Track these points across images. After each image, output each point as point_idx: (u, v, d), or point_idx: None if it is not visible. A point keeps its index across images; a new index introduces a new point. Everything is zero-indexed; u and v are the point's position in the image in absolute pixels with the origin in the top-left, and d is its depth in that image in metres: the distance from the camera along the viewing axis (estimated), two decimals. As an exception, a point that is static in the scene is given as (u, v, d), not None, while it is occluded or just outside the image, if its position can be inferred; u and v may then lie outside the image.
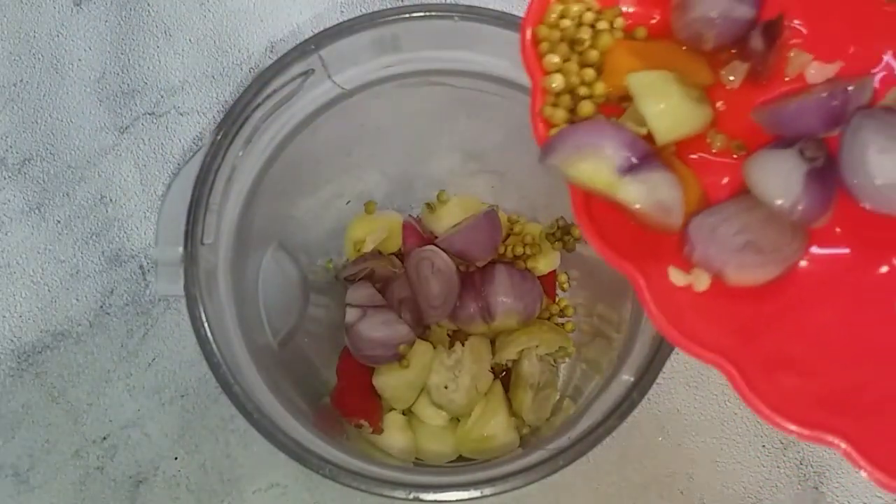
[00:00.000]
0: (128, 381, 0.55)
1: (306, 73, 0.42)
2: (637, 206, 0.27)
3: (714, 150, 0.30)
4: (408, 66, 0.46)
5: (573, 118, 0.29)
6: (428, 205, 0.55)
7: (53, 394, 0.55)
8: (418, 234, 0.54)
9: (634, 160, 0.27)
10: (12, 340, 0.55)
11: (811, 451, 0.54)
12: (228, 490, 0.54)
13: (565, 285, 0.56)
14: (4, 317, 0.56)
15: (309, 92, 0.44)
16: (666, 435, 0.55)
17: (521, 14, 0.40)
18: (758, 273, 0.28)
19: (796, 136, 0.27)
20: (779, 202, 0.27)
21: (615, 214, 0.28)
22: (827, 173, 0.26)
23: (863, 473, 0.25)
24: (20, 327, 0.56)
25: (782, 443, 0.54)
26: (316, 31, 0.42)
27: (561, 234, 0.54)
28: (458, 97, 0.48)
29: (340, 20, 0.42)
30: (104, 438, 0.54)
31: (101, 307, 0.56)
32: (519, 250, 0.53)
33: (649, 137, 0.28)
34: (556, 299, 0.56)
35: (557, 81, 0.29)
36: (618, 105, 0.30)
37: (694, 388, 0.55)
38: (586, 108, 0.29)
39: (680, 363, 0.55)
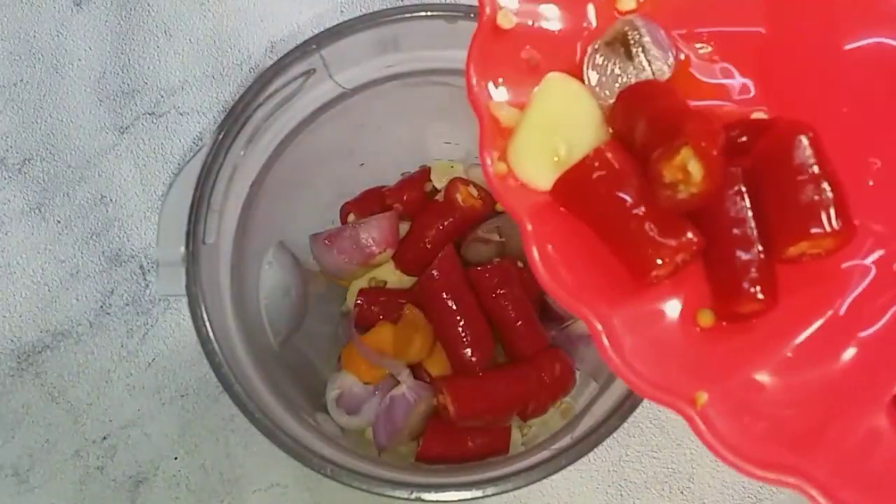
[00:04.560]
0: (128, 381, 0.55)
1: (307, 73, 0.42)
2: None
3: None
4: (408, 65, 0.46)
5: None
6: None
7: (53, 394, 0.55)
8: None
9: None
10: (12, 340, 0.55)
11: (811, 450, 0.54)
12: (228, 490, 0.54)
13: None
14: (4, 317, 0.56)
15: (310, 92, 0.44)
16: (666, 435, 0.55)
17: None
18: None
19: None
20: None
21: (572, 249, 0.27)
22: None
23: None
24: (20, 327, 0.56)
25: (782, 443, 0.54)
26: (316, 31, 0.42)
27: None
28: (459, 97, 0.48)
29: (341, 20, 0.42)
30: (104, 438, 0.54)
31: (101, 307, 0.56)
32: None
33: None
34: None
35: None
36: None
37: (694, 388, 0.55)
38: None
39: (680, 363, 0.55)
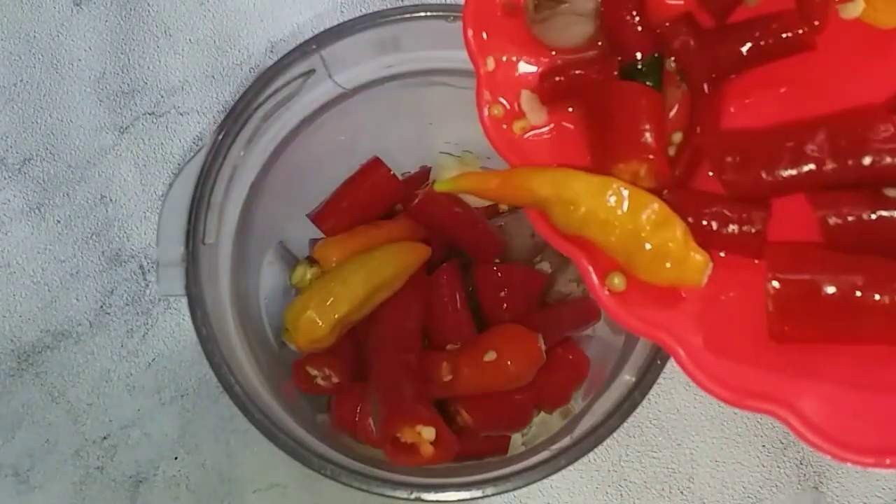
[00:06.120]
0: (128, 381, 0.55)
1: (307, 73, 0.42)
2: None
3: None
4: (408, 66, 0.46)
5: None
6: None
7: (53, 394, 0.55)
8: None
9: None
10: (12, 340, 0.55)
11: (811, 450, 0.54)
12: (228, 490, 0.54)
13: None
14: (4, 317, 0.56)
15: (310, 92, 0.44)
16: (666, 435, 0.55)
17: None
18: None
19: None
20: None
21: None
22: None
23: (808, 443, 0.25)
24: (20, 327, 0.56)
25: (782, 443, 0.54)
26: (316, 31, 0.42)
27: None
28: (458, 97, 0.48)
29: (341, 20, 0.42)
30: (104, 438, 0.54)
31: (101, 307, 0.56)
32: None
33: None
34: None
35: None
36: None
37: (694, 388, 0.55)
38: None
39: (680, 363, 0.55)
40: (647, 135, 0.29)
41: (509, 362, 0.44)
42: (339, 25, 0.42)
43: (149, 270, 0.56)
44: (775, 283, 0.26)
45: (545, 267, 0.53)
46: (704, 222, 0.28)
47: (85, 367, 0.55)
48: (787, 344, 0.27)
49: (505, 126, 0.31)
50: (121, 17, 0.60)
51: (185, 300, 0.40)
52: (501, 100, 0.31)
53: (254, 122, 0.42)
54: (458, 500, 0.39)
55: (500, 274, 0.49)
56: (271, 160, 0.45)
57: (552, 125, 0.31)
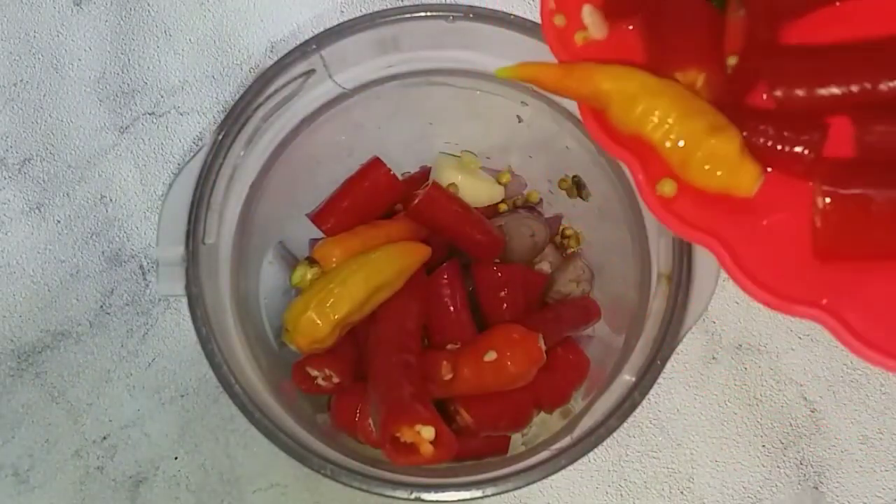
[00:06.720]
0: (128, 381, 0.55)
1: (307, 73, 0.42)
2: None
3: None
4: (408, 66, 0.46)
5: None
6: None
7: (53, 394, 0.55)
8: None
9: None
10: (12, 340, 0.55)
11: (811, 450, 0.54)
12: (228, 490, 0.54)
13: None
14: (4, 317, 0.56)
15: (310, 92, 0.44)
16: (666, 435, 0.55)
17: (521, 14, 0.41)
18: None
19: None
20: None
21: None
22: None
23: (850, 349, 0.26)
24: (20, 327, 0.56)
25: (782, 443, 0.54)
26: (316, 31, 0.42)
27: (561, 240, 0.54)
28: (458, 97, 0.48)
29: (341, 20, 0.42)
30: (104, 438, 0.54)
31: (101, 307, 0.56)
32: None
33: None
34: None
35: None
36: None
37: (694, 388, 0.55)
38: None
39: (680, 363, 0.55)
40: (706, 45, 0.29)
41: (509, 362, 0.44)
42: (339, 25, 0.42)
43: (149, 270, 0.56)
44: (826, 198, 0.26)
45: (545, 267, 0.53)
46: (758, 138, 0.28)
47: (85, 367, 0.55)
48: (832, 262, 0.27)
49: (566, 36, 0.31)
50: (121, 17, 0.60)
51: (185, 300, 0.40)
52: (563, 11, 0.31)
53: (254, 122, 0.42)
54: (458, 500, 0.39)
55: (500, 274, 0.49)
56: (271, 160, 0.45)
57: (612, 39, 0.31)
